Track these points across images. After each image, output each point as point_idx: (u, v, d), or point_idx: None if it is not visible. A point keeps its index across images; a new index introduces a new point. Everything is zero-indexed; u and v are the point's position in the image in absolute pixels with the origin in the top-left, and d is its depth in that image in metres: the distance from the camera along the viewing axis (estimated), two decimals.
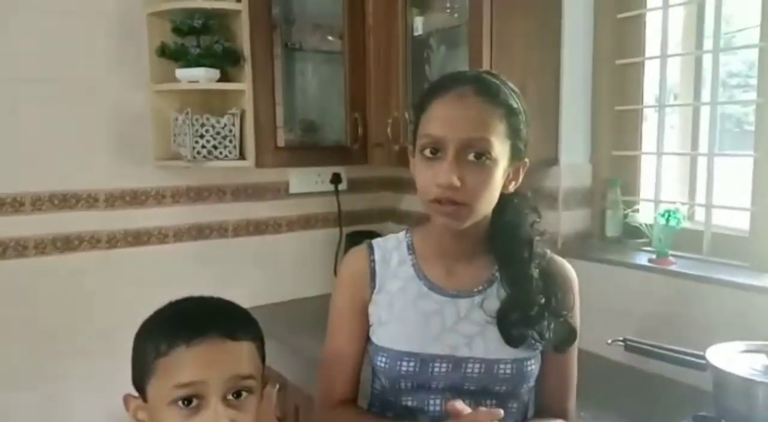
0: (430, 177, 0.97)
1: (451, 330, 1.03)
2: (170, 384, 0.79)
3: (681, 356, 1.27)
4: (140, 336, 0.86)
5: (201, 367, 0.79)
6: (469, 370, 1.02)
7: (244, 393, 0.82)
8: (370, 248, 1.11)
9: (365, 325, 1.09)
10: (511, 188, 1.04)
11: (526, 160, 1.04)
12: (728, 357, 1.19)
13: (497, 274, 1.06)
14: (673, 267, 1.61)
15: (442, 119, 0.97)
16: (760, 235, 1.54)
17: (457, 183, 0.94)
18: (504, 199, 1.03)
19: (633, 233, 1.81)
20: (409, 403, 1.05)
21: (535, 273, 1.03)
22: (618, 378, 1.58)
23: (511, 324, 1.01)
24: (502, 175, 0.99)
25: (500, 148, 0.97)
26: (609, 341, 1.37)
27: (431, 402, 1.04)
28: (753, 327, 1.36)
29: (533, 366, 1.04)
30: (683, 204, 1.71)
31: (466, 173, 0.95)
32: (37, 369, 1.94)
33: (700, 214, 1.74)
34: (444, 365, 1.02)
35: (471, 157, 0.95)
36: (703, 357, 1.21)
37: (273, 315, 2.13)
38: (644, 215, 1.79)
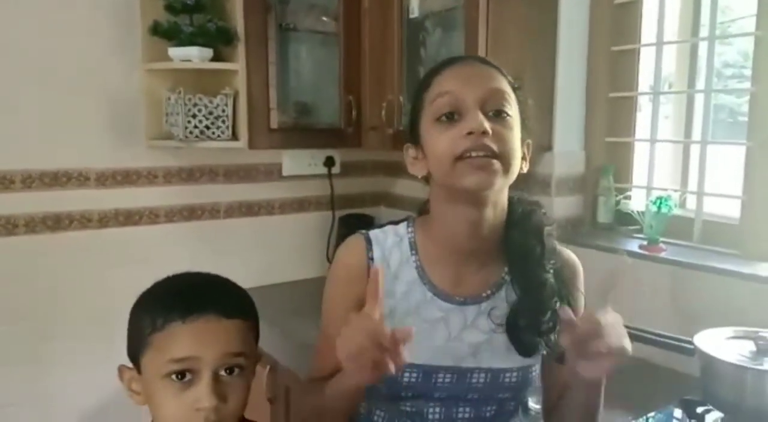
0: (453, 135, 0.89)
1: (456, 340, 0.97)
2: (165, 358, 0.80)
3: (669, 341, 1.29)
4: (137, 309, 0.86)
5: (195, 343, 0.80)
6: (474, 380, 0.97)
7: (236, 370, 0.83)
8: (368, 242, 1.01)
9: None
10: (525, 168, 0.97)
11: (530, 141, 0.99)
12: (716, 343, 1.20)
13: (506, 277, 1.00)
14: (663, 254, 1.62)
15: (456, 77, 0.93)
16: (751, 223, 1.55)
17: (489, 129, 0.87)
18: (510, 197, 0.99)
19: (625, 220, 1.82)
20: (408, 409, 1.01)
21: (550, 276, 0.97)
22: None
23: (522, 330, 0.95)
24: (519, 143, 0.94)
25: (515, 111, 0.94)
26: None
27: (431, 410, 0.99)
28: (741, 313, 1.37)
29: (537, 372, 1.02)
30: (675, 191, 1.72)
31: (492, 127, 0.89)
32: (26, 348, 1.93)
33: (691, 202, 1.75)
34: (448, 376, 0.97)
35: (491, 113, 0.90)
36: (691, 343, 1.22)
37: (264, 297, 2.09)
38: (636, 202, 1.80)
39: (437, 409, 0.99)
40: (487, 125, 0.88)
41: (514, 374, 0.98)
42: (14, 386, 1.92)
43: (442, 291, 0.98)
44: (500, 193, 0.95)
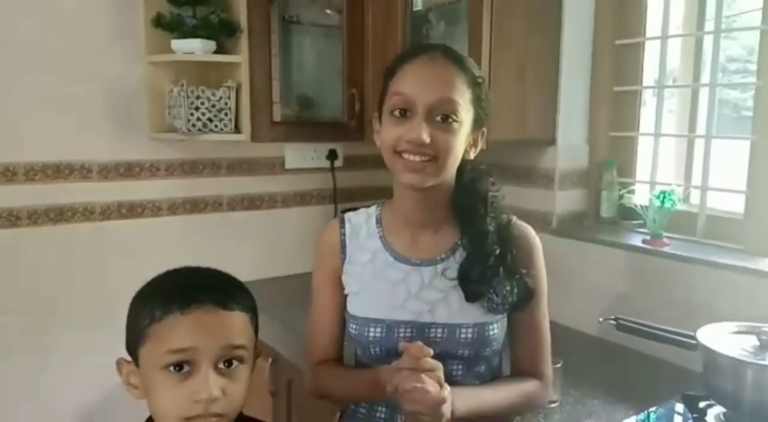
0: (399, 132, 1.02)
1: (415, 298, 1.09)
2: (163, 350, 0.80)
3: (672, 336, 1.28)
4: (136, 301, 0.86)
5: (194, 334, 0.80)
6: (432, 335, 1.07)
7: (235, 363, 0.83)
8: (342, 221, 1.18)
9: (340, 294, 1.15)
10: (472, 154, 1.09)
11: (485, 129, 1.10)
12: (718, 337, 1.20)
13: (459, 242, 1.11)
14: (666, 249, 1.61)
15: (412, 79, 1.03)
16: (755, 218, 1.54)
17: (427, 139, 0.99)
18: (462, 166, 1.09)
19: (628, 214, 1.82)
20: None
21: (491, 227, 1.09)
22: (609, 357, 1.60)
23: (472, 280, 1.07)
24: (465, 139, 1.05)
25: (465, 113, 1.03)
26: (601, 319, 1.38)
27: None
28: (745, 308, 1.37)
29: (495, 331, 1.09)
30: (679, 186, 1.71)
31: (434, 133, 1.00)
32: (29, 339, 1.94)
33: (695, 197, 1.74)
34: (408, 330, 1.07)
35: (438, 118, 1.01)
36: (693, 337, 1.22)
37: (266, 290, 2.11)
38: (640, 196, 1.80)
39: None
40: (425, 136, 0.99)
41: (470, 330, 1.07)
42: (16, 377, 1.92)
43: (401, 255, 1.12)
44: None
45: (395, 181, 1.10)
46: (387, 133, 1.04)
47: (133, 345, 0.85)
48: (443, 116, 1.01)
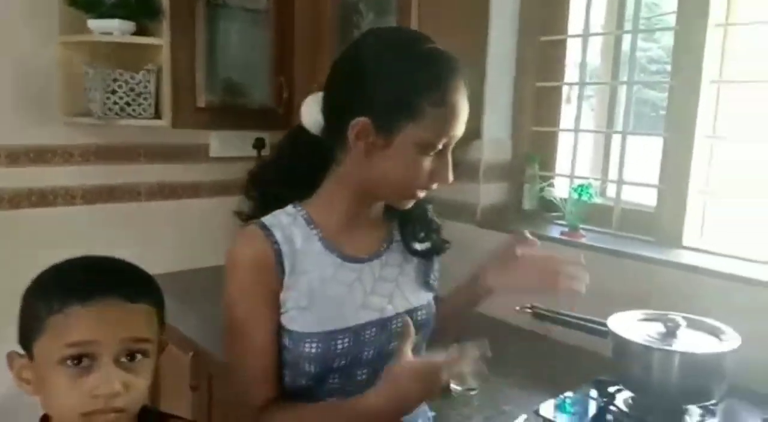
0: (427, 171, 0.98)
1: (373, 293, 1.04)
2: (60, 343, 0.75)
3: (585, 323, 1.33)
4: (32, 291, 0.81)
5: (94, 327, 0.76)
6: (394, 326, 1.03)
7: (138, 356, 0.79)
8: (265, 228, 0.98)
9: (277, 316, 0.99)
10: None
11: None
12: (628, 325, 1.25)
13: (395, 232, 1.11)
14: (583, 240, 1.67)
15: (450, 119, 0.96)
16: (665, 211, 1.62)
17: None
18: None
19: (549, 207, 1.87)
20: (336, 381, 1.01)
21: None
22: (525, 344, 1.64)
23: (413, 233, 1.10)
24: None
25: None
26: (517, 308, 1.41)
27: (359, 372, 1.02)
28: (654, 297, 1.43)
29: (434, 306, 1.13)
30: (596, 180, 1.77)
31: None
32: None
33: (611, 191, 1.81)
34: (374, 329, 1.02)
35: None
36: (605, 325, 1.27)
37: (188, 282, 2.07)
38: (560, 190, 1.85)
39: (365, 371, 1.03)
40: (451, 176, 1.01)
41: (423, 311, 1.09)
42: None
43: (348, 254, 1.04)
44: None
45: (346, 180, 1.01)
46: (411, 166, 0.96)
47: (26, 337, 0.79)
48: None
